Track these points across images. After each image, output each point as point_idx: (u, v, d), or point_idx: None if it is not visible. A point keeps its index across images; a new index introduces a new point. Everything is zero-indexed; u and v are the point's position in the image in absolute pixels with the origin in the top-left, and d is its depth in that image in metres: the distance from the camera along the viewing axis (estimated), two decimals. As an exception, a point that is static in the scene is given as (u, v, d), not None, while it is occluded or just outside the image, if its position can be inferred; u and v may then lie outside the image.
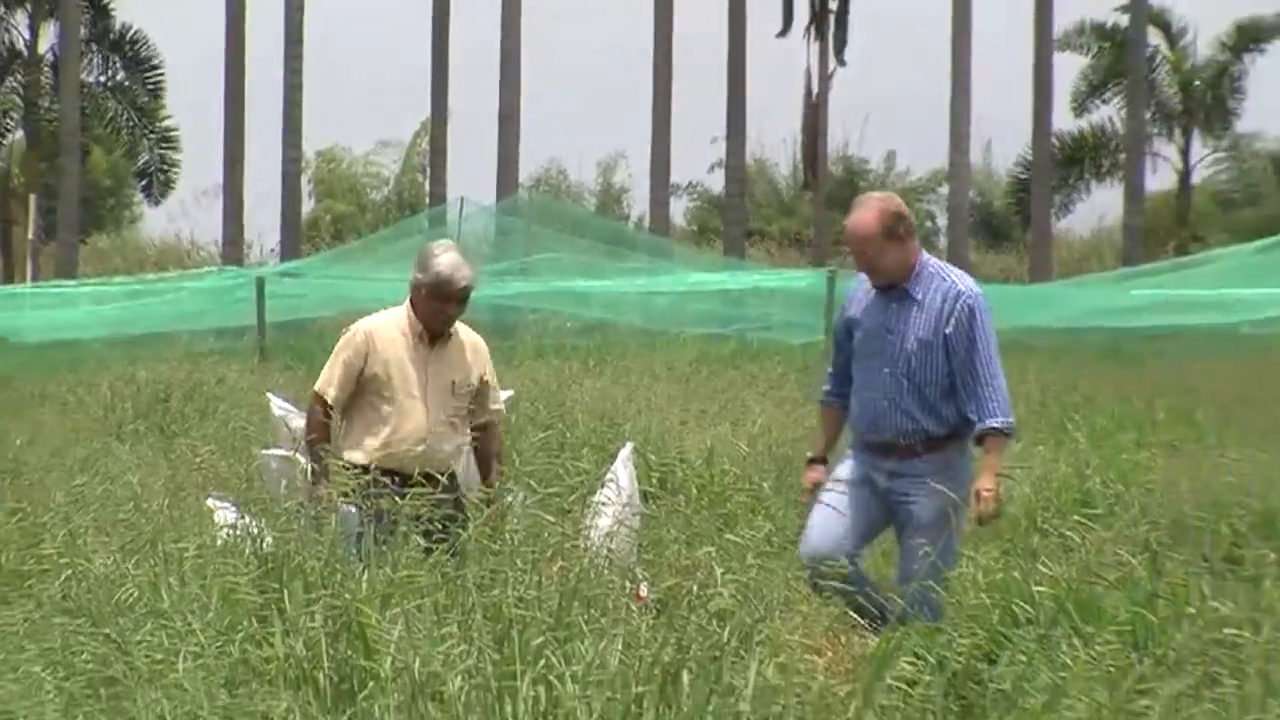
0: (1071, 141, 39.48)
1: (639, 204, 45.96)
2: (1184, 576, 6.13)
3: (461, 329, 7.11)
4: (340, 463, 6.37)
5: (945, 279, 6.36)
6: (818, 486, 6.52)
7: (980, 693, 5.15)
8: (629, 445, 8.23)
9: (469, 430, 7.14)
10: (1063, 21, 36.82)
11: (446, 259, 6.90)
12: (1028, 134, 35.18)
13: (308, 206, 43.09)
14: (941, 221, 44.43)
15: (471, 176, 57.30)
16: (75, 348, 21.22)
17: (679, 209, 47.09)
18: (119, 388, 14.89)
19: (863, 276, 6.53)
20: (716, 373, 17.85)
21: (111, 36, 37.64)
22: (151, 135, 38.23)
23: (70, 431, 12.48)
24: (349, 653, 4.93)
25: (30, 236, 35.94)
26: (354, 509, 5.94)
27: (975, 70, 32.40)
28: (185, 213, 53.48)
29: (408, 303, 6.99)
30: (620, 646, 4.74)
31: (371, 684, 4.74)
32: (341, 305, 21.13)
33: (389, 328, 6.99)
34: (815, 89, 37.00)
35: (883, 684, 4.75)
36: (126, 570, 5.76)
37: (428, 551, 5.66)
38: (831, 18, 36.87)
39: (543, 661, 4.61)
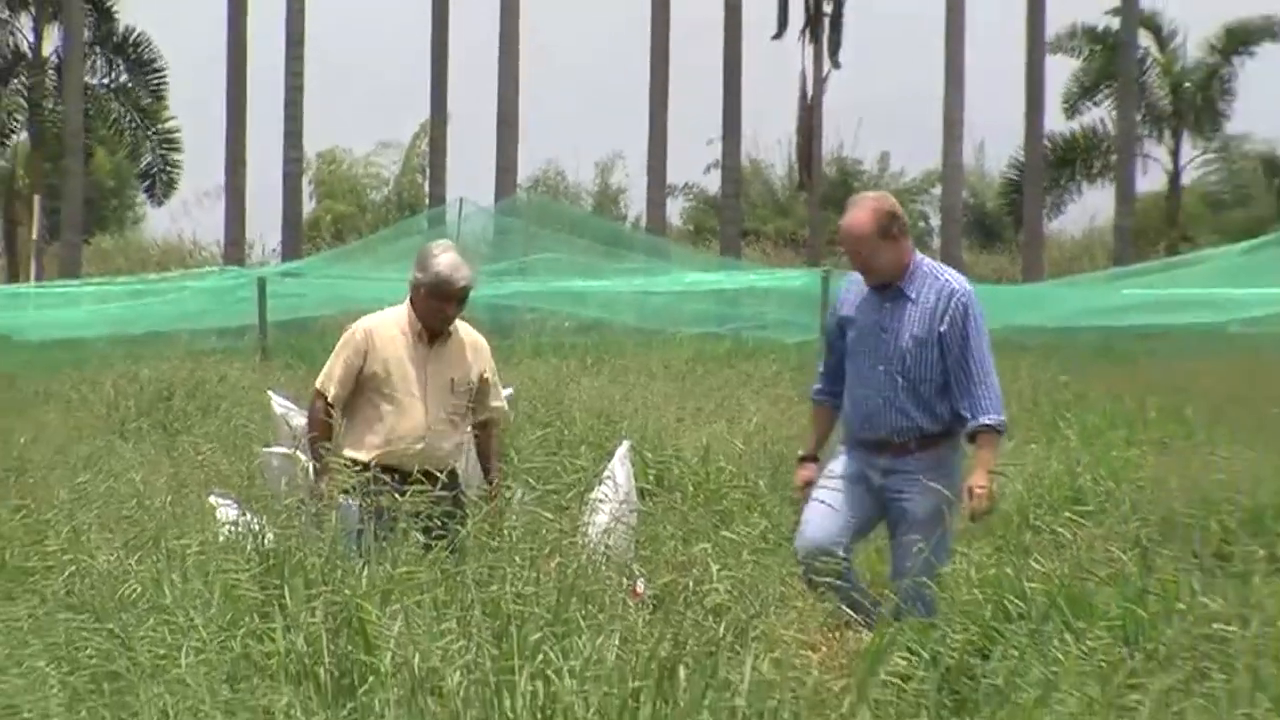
0: (1063, 143, 39.64)
1: (636, 204, 46.08)
2: (1174, 572, 6.16)
3: (462, 327, 7.13)
4: (341, 460, 6.40)
5: (939, 278, 6.40)
6: (809, 484, 6.55)
7: (973, 687, 5.18)
8: (626, 443, 8.27)
9: (470, 428, 7.17)
10: (1055, 25, 37.09)
11: (445, 259, 6.93)
12: (1020, 135, 35.31)
13: (308, 207, 43.13)
14: (935, 222, 44.42)
15: (470, 177, 57.57)
16: (79, 346, 21.27)
17: (675, 209, 47.21)
18: (122, 386, 14.92)
19: (854, 276, 6.56)
20: (712, 371, 17.87)
21: (115, 39, 37.83)
22: (154, 137, 38.44)
23: (74, 429, 12.51)
24: (349, 648, 4.95)
25: (34, 237, 36.09)
26: (354, 505, 5.97)
27: (968, 72, 32.52)
28: (187, 213, 54.04)
29: (408, 302, 7.01)
30: (617, 642, 4.75)
31: (371, 679, 4.76)
32: (342, 305, 21.18)
33: (389, 326, 7.02)
34: (810, 91, 37.17)
35: (877, 679, 4.76)
36: (130, 566, 5.77)
37: (427, 548, 5.67)
38: (826, 21, 37.04)
39: (541, 656, 4.63)
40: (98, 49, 37.37)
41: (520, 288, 24.32)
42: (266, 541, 5.75)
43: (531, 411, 11.81)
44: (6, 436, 11.20)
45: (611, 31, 70.26)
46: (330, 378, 6.98)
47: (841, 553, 6.22)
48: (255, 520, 6.03)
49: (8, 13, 37.47)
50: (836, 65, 37.22)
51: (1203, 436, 11.26)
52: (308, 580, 5.35)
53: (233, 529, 6.13)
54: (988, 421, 6.24)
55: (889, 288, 6.40)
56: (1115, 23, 36.73)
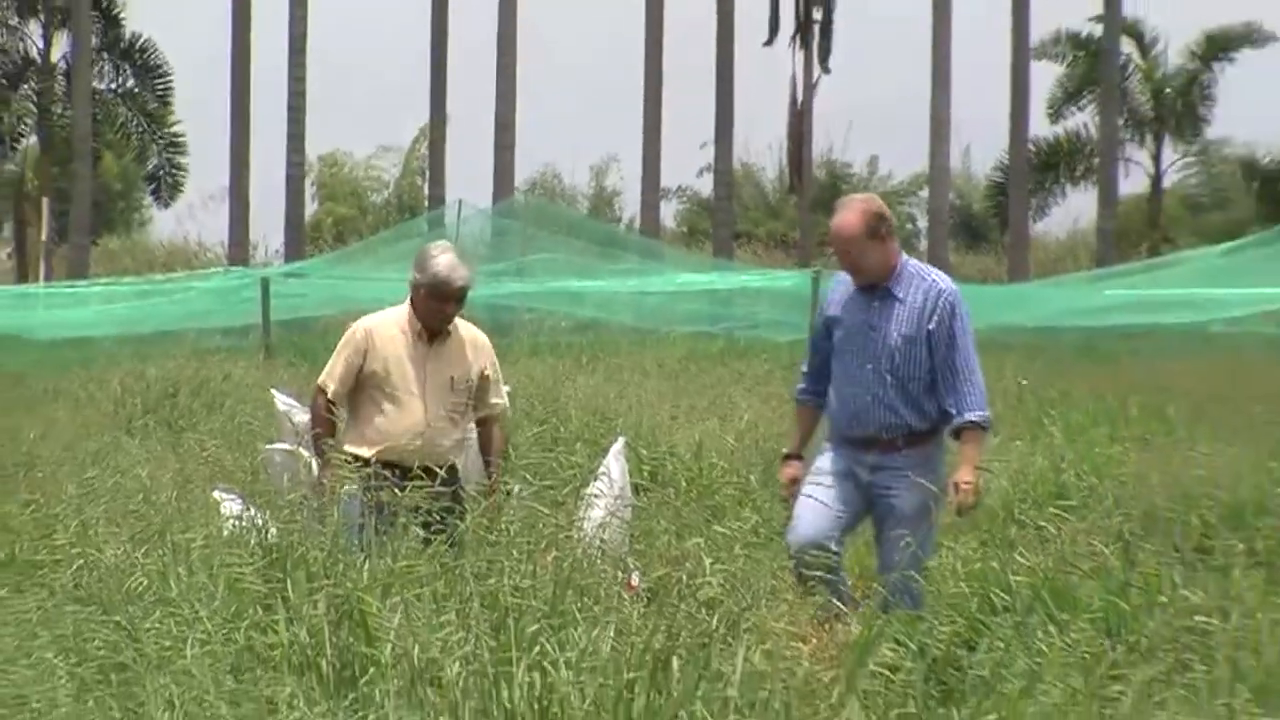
0: (1048, 147, 39.72)
1: (630, 207, 46.17)
2: (1156, 566, 6.20)
3: (463, 325, 7.19)
4: (342, 455, 6.46)
5: (926, 278, 6.48)
6: (795, 482, 6.61)
7: (960, 678, 5.22)
8: (621, 440, 8.28)
9: (471, 424, 7.25)
10: (1039, 31, 37.22)
11: (444, 260, 7.00)
12: (1006, 139, 35.41)
13: (311, 209, 43.18)
14: (922, 224, 44.55)
15: (469, 179, 57.75)
16: (87, 345, 21.30)
17: (669, 212, 47.31)
18: (129, 384, 14.96)
19: (841, 276, 6.63)
20: (705, 370, 17.89)
21: (122, 45, 37.95)
22: (160, 140, 38.58)
23: (82, 426, 12.51)
24: (350, 640, 4.99)
25: (43, 238, 36.25)
26: (356, 500, 6.03)
27: (954, 77, 32.64)
28: (193, 215, 54.56)
29: (408, 302, 7.09)
30: (612, 634, 4.80)
31: (372, 670, 4.81)
32: (343, 304, 21.18)
33: (389, 325, 7.10)
34: (800, 97, 37.32)
35: (866, 670, 4.79)
36: (136, 560, 5.80)
37: (426, 542, 5.72)
38: (816, 28, 37.20)
39: (538, 648, 4.67)
40: (105, 55, 37.46)
41: (518, 288, 24.36)
42: (270, 536, 5.78)
43: (529, 409, 11.83)
44: (16, 433, 11.25)
45: (605, 38, 70.27)
46: (332, 375, 7.06)
47: (834, 547, 6.29)
48: (259, 515, 6.08)
49: (17, 20, 37.66)
50: (826, 71, 37.40)
51: (1184, 434, 11.24)
52: (310, 573, 5.38)
53: (237, 523, 6.17)
54: (973, 418, 6.32)
55: (877, 288, 6.46)
56: (1098, 29, 36.76)
